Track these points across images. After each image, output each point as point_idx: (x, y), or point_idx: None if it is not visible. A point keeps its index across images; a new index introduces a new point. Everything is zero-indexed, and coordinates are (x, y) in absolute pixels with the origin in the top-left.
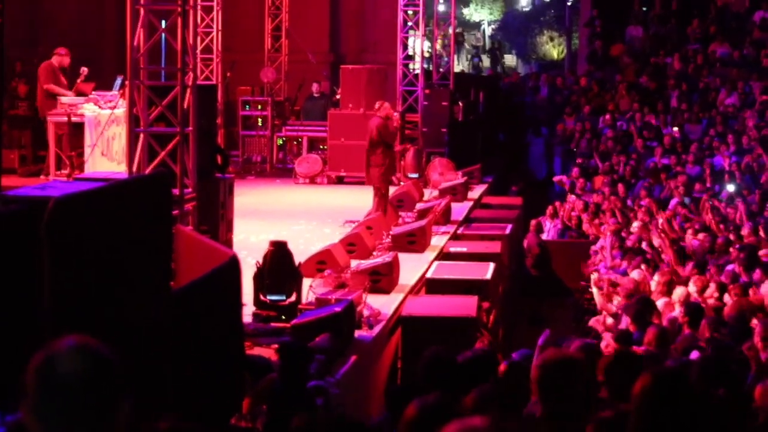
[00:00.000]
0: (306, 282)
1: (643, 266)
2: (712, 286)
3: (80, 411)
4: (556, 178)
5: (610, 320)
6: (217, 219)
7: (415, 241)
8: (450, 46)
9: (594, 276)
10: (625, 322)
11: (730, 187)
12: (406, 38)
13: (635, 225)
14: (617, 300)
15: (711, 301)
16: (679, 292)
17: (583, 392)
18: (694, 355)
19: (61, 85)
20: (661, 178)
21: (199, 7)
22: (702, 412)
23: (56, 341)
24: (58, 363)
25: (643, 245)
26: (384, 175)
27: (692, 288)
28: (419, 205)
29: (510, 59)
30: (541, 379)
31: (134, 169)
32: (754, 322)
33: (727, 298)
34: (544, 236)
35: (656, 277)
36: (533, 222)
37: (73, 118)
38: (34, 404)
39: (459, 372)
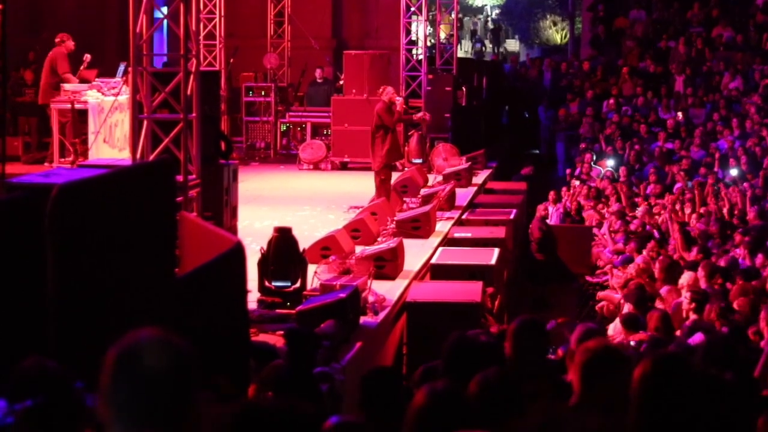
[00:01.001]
0: (311, 268)
1: (645, 251)
2: (717, 271)
3: (160, 404)
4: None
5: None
6: (221, 205)
7: (419, 227)
8: (453, 31)
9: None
10: (628, 309)
11: (734, 171)
12: (409, 23)
13: (640, 209)
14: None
15: (715, 286)
16: (686, 277)
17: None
18: (698, 338)
19: (64, 70)
20: (665, 161)
21: None
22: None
23: (134, 334)
24: (140, 356)
25: (647, 229)
26: (385, 159)
27: (700, 273)
28: (423, 191)
29: (513, 44)
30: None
31: (138, 155)
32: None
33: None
34: (548, 221)
35: (658, 264)
36: (540, 207)
37: (77, 105)
38: (112, 396)
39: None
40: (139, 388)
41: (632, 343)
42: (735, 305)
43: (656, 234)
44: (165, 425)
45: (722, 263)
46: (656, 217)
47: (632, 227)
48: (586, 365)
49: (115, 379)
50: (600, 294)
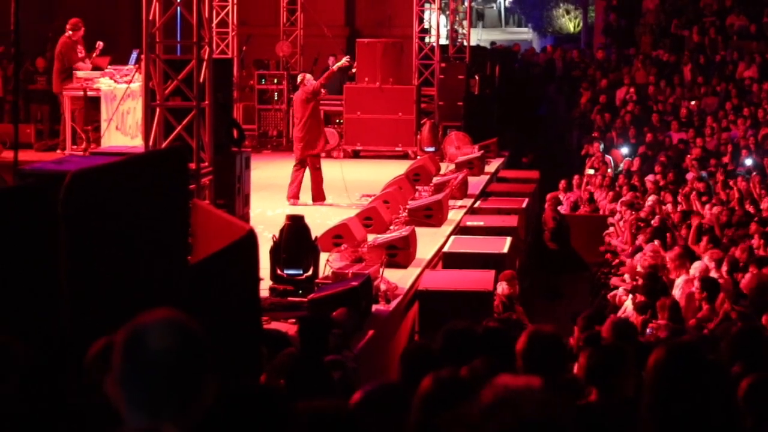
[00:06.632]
0: (323, 256)
1: (656, 241)
2: (727, 260)
3: (169, 385)
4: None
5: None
6: (233, 193)
7: (431, 215)
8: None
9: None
10: (639, 298)
11: (747, 161)
12: (422, 11)
13: (650, 199)
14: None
15: (726, 275)
16: (696, 265)
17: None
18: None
19: (78, 58)
20: (678, 151)
21: None
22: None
23: (144, 315)
24: (149, 337)
25: (657, 219)
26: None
27: (709, 263)
28: (436, 179)
29: (526, 33)
30: (592, 365)
31: (150, 143)
32: None
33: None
34: (561, 209)
35: (669, 254)
36: (550, 195)
37: (89, 93)
38: (122, 378)
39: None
40: (147, 368)
41: (648, 330)
42: (747, 293)
43: (668, 224)
44: (175, 406)
45: (737, 253)
46: (667, 206)
47: (642, 215)
48: (591, 363)
49: (124, 360)
50: (613, 281)
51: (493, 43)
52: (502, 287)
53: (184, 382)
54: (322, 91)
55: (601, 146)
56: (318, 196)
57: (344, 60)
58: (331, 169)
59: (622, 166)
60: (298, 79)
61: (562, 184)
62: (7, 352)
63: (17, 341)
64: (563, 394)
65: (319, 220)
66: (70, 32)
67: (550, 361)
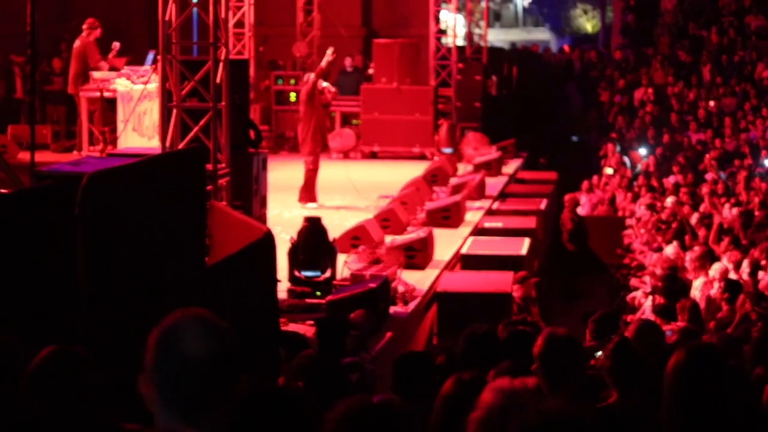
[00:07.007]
0: (341, 258)
1: (676, 242)
2: (747, 261)
3: (203, 385)
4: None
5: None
6: (250, 194)
7: (449, 217)
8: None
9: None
10: (658, 300)
11: (767, 162)
12: (439, 12)
13: (669, 200)
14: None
15: (746, 277)
16: (716, 267)
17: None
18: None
19: (100, 57)
20: (696, 152)
21: None
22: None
23: (175, 315)
24: (181, 336)
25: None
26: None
27: (728, 264)
28: (453, 180)
29: (543, 33)
30: (614, 368)
31: (167, 144)
32: None
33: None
34: (579, 211)
35: (689, 255)
36: (568, 197)
37: (106, 93)
38: (154, 376)
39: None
40: (180, 367)
41: (668, 333)
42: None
43: (687, 225)
44: (206, 405)
45: (757, 254)
46: (686, 207)
47: (662, 217)
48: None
49: (157, 359)
50: (632, 282)
51: (513, 44)
52: (514, 289)
53: (217, 381)
54: (327, 90)
55: (617, 147)
56: (304, 196)
57: (329, 53)
58: (341, 171)
59: (640, 166)
60: (304, 79)
61: (585, 184)
62: (16, 354)
63: (21, 343)
64: (582, 395)
65: (337, 222)
66: (88, 31)
67: (567, 363)
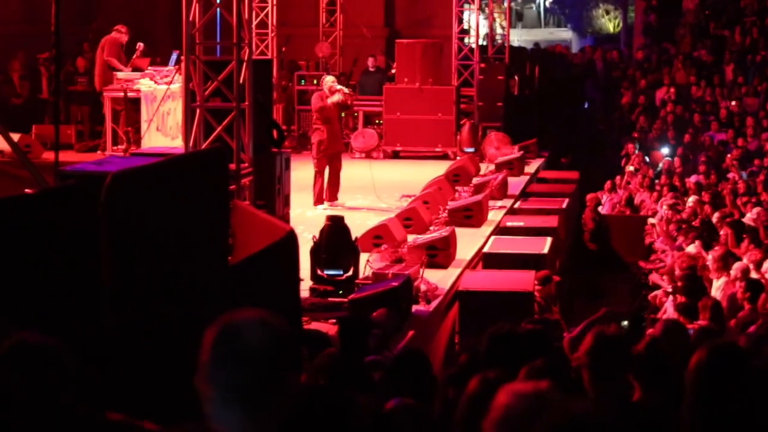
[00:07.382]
0: (363, 257)
1: (697, 242)
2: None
3: (259, 382)
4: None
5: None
6: (273, 194)
7: (471, 216)
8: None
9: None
10: (679, 299)
11: None
12: (462, 12)
13: (691, 199)
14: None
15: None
16: (737, 266)
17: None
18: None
19: (121, 62)
20: (718, 151)
21: None
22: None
23: (233, 314)
24: (240, 334)
25: (698, 220)
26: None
27: (749, 263)
28: (475, 180)
29: (565, 32)
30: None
31: (191, 144)
32: None
33: None
34: (601, 210)
35: (711, 255)
36: (590, 196)
37: (130, 94)
38: (212, 374)
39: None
40: (239, 365)
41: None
42: None
43: (708, 224)
44: (263, 402)
45: None
46: (707, 206)
47: (683, 216)
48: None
49: (215, 357)
50: (652, 277)
51: (536, 44)
52: (536, 288)
53: (273, 378)
54: (342, 92)
55: (637, 147)
56: (319, 198)
57: (341, 95)
58: (364, 170)
59: (661, 166)
60: (322, 82)
61: (608, 184)
62: (62, 360)
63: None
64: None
65: (359, 221)
66: (117, 33)
67: (615, 361)
